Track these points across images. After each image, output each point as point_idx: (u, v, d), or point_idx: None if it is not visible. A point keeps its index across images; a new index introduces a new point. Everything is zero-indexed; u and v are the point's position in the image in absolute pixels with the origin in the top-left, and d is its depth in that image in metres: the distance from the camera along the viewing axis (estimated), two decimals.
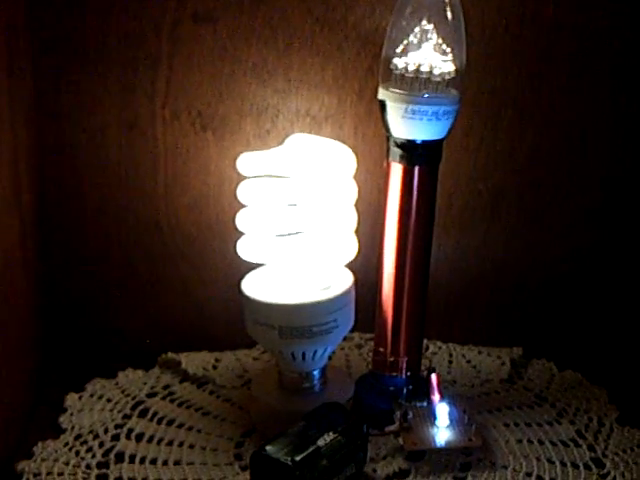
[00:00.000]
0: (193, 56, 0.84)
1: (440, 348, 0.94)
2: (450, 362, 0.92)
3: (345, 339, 0.91)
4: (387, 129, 0.74)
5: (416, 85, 0.71)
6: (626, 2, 0.83)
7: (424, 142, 0.73)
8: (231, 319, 0.84)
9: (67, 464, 0.75)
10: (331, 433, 0.71)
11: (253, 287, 0.78)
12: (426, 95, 0.71)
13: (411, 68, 0.71)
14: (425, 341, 0.92)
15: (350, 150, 0.78)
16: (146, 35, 0.83)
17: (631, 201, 0.91)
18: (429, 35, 0.73)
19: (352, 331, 0.84)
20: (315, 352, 0.78)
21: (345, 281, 0.79)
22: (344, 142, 0.80)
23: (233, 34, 0.83)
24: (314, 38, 0.83)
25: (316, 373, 0.81)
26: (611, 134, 0.88)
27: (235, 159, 0.76)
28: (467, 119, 0.86)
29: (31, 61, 0.82)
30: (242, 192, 0.76)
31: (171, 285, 0.92)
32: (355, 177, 0.79)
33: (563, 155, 0.89)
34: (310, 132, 0.84)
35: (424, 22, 0.72)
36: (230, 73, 0.84)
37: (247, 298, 0.77)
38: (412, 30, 0.73)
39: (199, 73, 0.84)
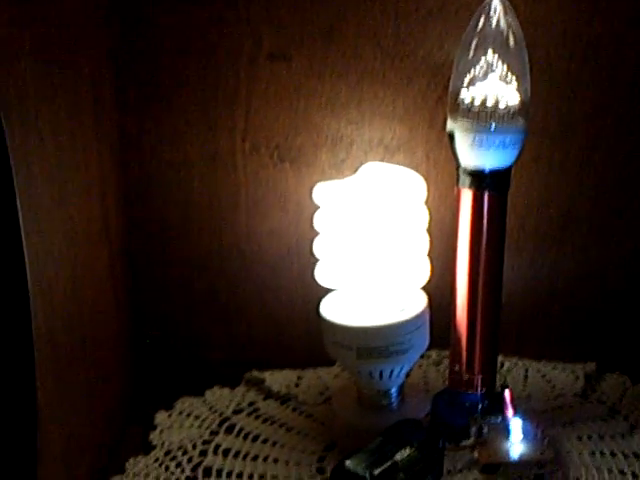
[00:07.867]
0: (269, 92, 0.88)
1: (516, 364, 0.96)
2: (525, 377, 0.94)
3: (423, 357, 0.94)
4: (456, 158, 0.77)
5: (483, 116, 0.74)
6: None
7: (492, 170, 0.76)
8: (312, 338, 0.88)
9: (157, 479, 0.80)
10: (408, 448, 0.74)
11: (331, 310, 0.82)
12: (493, 125, 0.74)
13: (477, 102, 0.74)
14: (501, 358, 0.94)
15: (421, 177, 0.81)
16: (224, 73, 0.87)
17: None
18: (494, 66, 0.75)
19: (430, 349, 0.87)
20: (392, 371, 0.81)
21: (419, 303, 0.82)
22: (416, 169, 0.83)
23: (307, 70, 0.87)
24: (385, 72, 0.87)
25: (393, 391, 0.83)
26: None
27: (311, 188, 0.80)
28: (536, 145, 0.88)
29: (114, 97, 0.87)
30: (318, 220, 0.81)
31: (253, 309, 0.96)
32: (428, 202, 0.82)
33: (630, 177, 0.90)
34: (383, 160, 0.87)
35: (489, 53, 0.75)
36: (305, 107, 0.88)
37: (326, 321, 0.81)
38: (478, 62, 0.76)
39: (276, 108, 0.88)
